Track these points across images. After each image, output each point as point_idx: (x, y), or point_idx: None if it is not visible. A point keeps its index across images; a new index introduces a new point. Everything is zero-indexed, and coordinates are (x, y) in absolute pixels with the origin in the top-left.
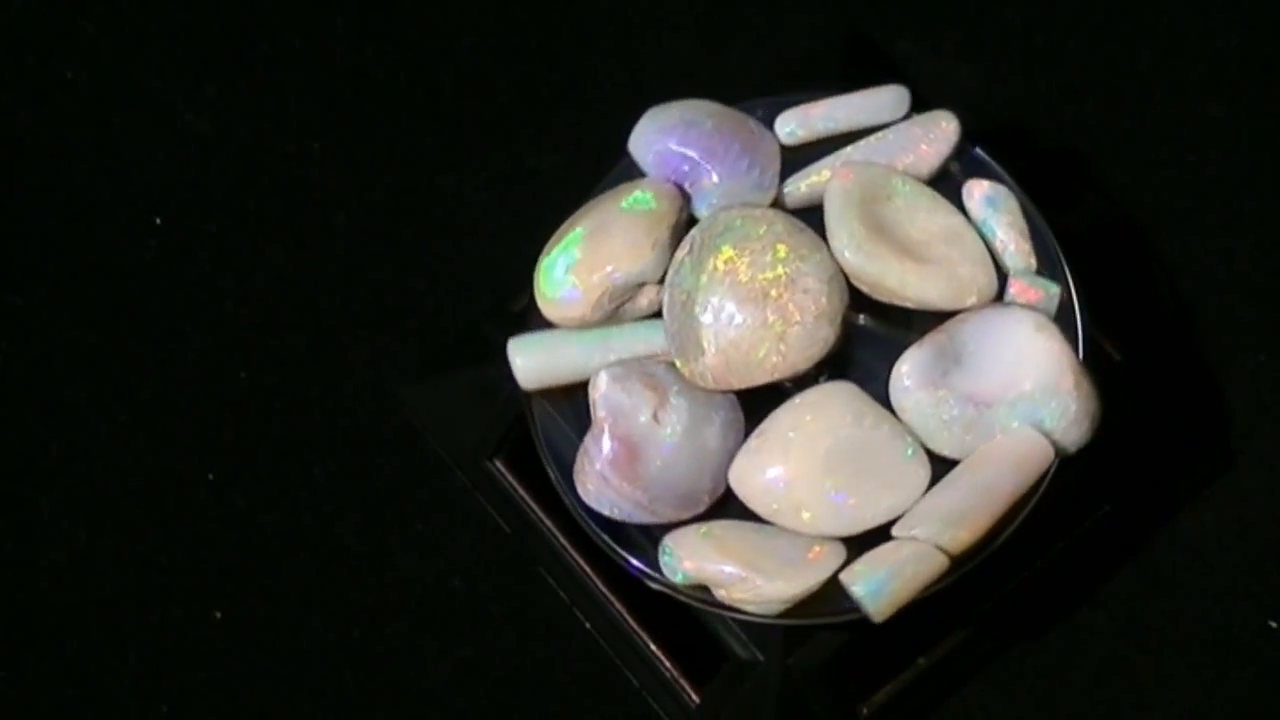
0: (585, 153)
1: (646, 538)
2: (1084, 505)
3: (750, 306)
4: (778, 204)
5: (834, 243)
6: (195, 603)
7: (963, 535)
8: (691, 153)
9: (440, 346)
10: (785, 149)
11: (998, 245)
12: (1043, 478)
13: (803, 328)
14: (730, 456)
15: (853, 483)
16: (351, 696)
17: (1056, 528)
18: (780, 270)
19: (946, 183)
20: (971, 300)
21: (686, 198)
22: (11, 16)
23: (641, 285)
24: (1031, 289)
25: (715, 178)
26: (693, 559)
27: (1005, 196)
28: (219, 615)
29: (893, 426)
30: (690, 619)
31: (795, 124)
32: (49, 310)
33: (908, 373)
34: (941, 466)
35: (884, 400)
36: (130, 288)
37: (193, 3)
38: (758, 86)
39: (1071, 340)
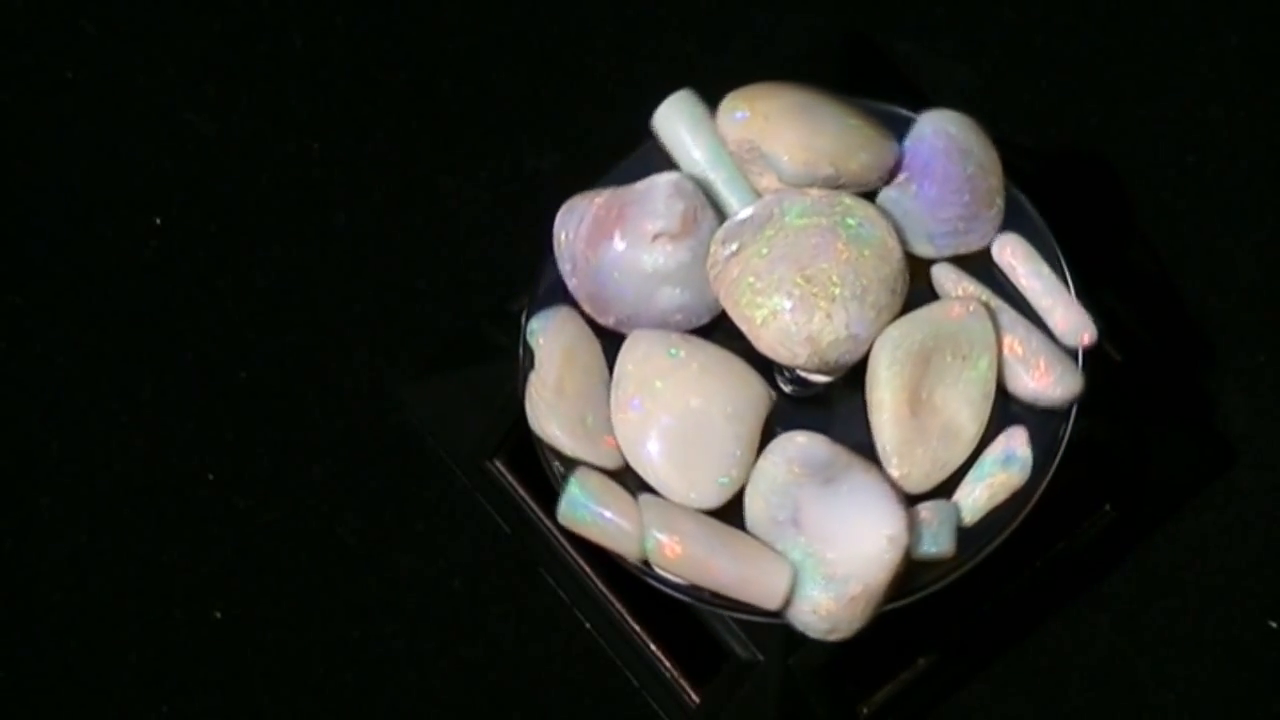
0: (585, 153)
1: None
2: (1084, 505)
3: (786, 272)
4: (918, 263)
5: (887, 329)
6: (195, 603)
7: (663, 556)
8: (935, 165)
9: (440, 346)
10: (986, 251)
11: (966, 480)
12: (752, 609)
13: (788, 326)
14: (657, 325)
15: (669, 444)
16: (351, 696)
17: (1056, 528)
18: (836, 283)
19: (1012, 407)
20: (894, 474)
21: (889, 180)
22: (11, 16)
23: (773, 173)
24: (932, 523)
25: (918, 195)
26: (546, 340)
27: (1019, 471)
28: (219, 615)
29: (745, 452)
30: (690, 619)
31: (1010, 250)
32: (49, 310)
33: (799, 445)
34: (731, 514)
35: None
36: (130, 288)
37: (193, 3)
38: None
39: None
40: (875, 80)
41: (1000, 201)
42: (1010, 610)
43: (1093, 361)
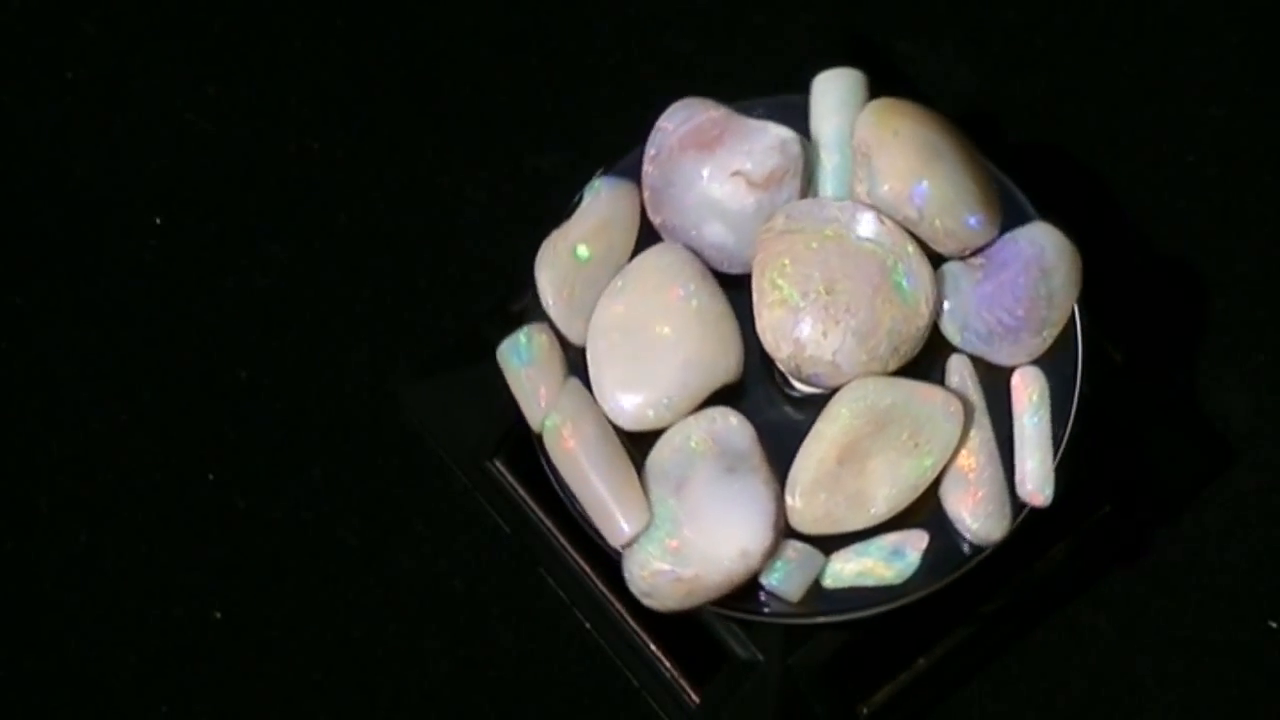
0: (585, 153)
1: None
2: (1084, 505)
3: (818, 274)
4: (944, 341)
5: (868, 377)
6: (195, 603)
7: (554, 441)
8: (1010, 268)
9: (440, 346)
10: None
11: (849, 548)
12: (600, 530)
13: (786, 320)
14: (693, 247)
15: (623, 352)
16: (351, 696)
17: (1056, 528)
18: (851, 312)
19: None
20: (789, 501)
21: (965, 255)
22: (11, 16)
23: (865, 189)
24: (793, 562)
25: (977, 284)
26: (593, 201)
27: (897, 571)
28: (219, 615)
29: (680, 401)
30: (690, 619)
31: (1025, 384)
32: (49, 310)
33: (728, 424)
34: (641, 444)
35: (747, 399)
36: (130, 288)
37: (193, 3)
38: (758, 86)
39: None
40: (875, 80)
41: (1049, 335)
42: (1010, 610)
43: (1093, 362)
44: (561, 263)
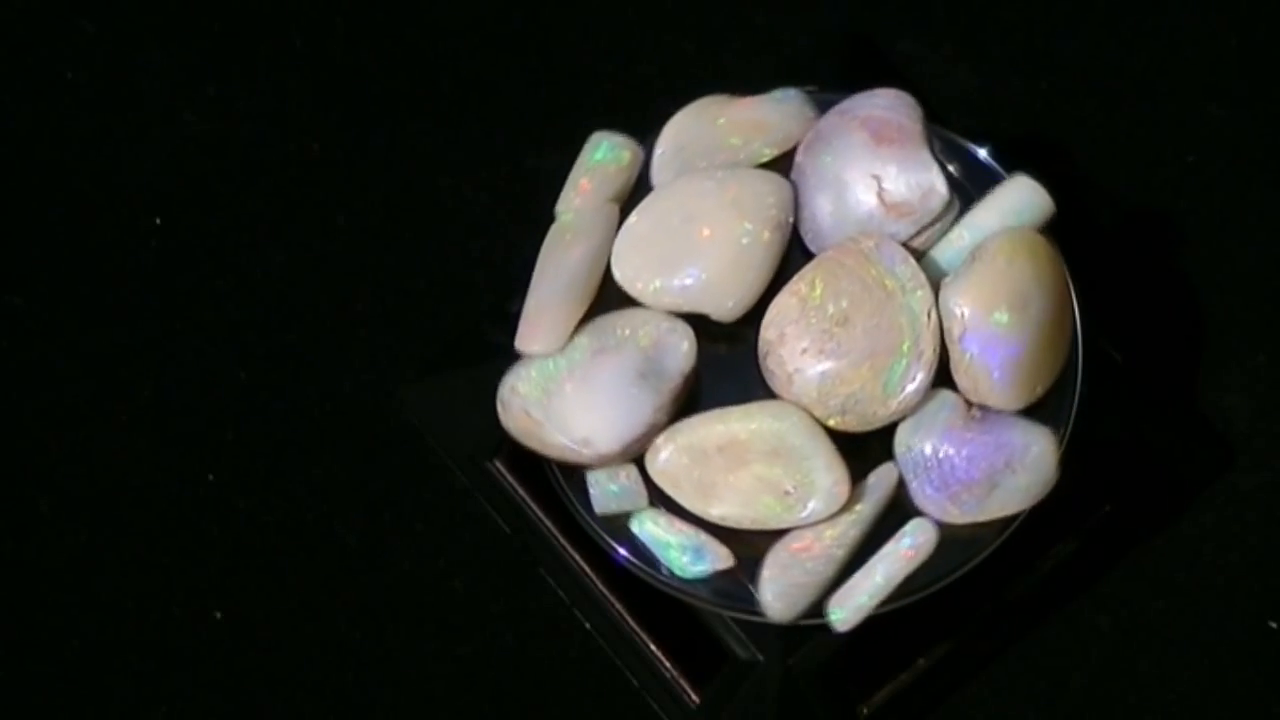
0: None
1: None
2: (1084, 505)
3: (845, 310)
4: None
5: (803, 410)
6: (195, 603)
7: (556, 235)
8: (992, 436)
9: (440, 346)
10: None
11: (664, 515)
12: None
13: (789, 316)
14: (802, 202)
15: (659, 225)
16: (351, 696)
17: (1056, 528)
18: (840, 354)
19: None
20: (657, 441)
21: (973, 403)
22: (11, 16)
23: (950, 281)
24: (617, 480)
25: (955, 428)
26: (768, 101)
27: (680, 565)
28: (219, 615)
29: (657, 294)
30: (690, 619)
31: (912, 543)
32: (49, 310)
33: (679, 346)
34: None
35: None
36: (130, 288)
37: (193, 3)
38: (758, 86)
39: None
40: (875, 80)
41: (963, 517)
42: (1010, 610)
43: (1093, 361)
44: (700, 123)
